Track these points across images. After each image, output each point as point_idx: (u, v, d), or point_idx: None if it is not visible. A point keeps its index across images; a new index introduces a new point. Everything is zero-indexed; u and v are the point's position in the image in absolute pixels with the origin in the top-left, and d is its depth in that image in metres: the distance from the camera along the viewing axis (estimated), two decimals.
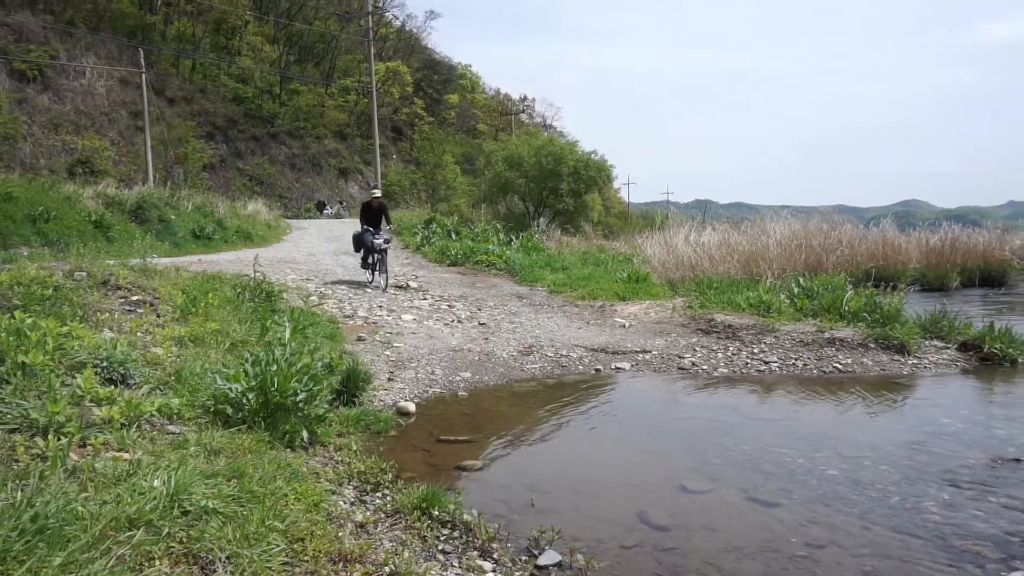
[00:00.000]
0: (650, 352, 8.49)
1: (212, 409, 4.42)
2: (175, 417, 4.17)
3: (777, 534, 3.76)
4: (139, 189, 21.51)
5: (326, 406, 5.01)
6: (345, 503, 3.80)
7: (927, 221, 20.02)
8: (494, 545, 3.54)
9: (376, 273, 13.10)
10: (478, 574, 3.23)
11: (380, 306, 10.84)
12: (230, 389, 4.45)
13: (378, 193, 14.22)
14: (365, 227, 13.22)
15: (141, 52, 31.46)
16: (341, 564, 2.96)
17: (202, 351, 5.71)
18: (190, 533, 2.72)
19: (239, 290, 8.69)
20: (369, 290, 12.54)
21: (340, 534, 3.26)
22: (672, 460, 5.06)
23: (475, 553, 3.44)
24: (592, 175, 26.09)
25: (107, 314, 5.99)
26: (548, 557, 3.44)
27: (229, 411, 4.38)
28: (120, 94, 35.10)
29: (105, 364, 4.48)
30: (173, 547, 2.62)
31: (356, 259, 16.95)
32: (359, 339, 8.52)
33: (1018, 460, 4.79)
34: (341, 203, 39.83)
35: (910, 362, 7.96)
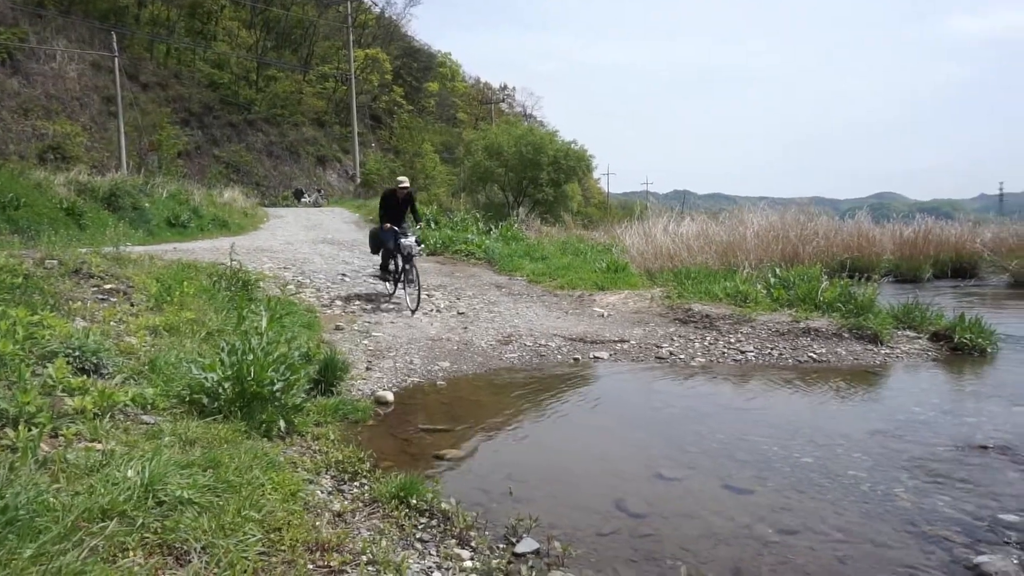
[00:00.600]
0: (628, 342, 8.55)
1: (187, 399, 4.37)
2: (149, 407, 4.12)
3: (751, 520, 3.81)
4: (112, 176, 21.14)
5: (303, 395, 4.98)
6: (323, 492, 3.78)
7: (901, 213, 20.32)
8: (472, 533, 3.56)
9: (401, 285, 10.34)
10: (456, 562, 3.24)
11: (358, 295, 10.78)
12: (206, 379, 4.41)
13: (405, 181, 10.72)
14: (387, 224, 10.31)
15: (114, 36, 30.84)
16: (318, 553, 2.96)
17: (177, 340, 5.65)
18: (165, 524, 2.70)
19: (215, 279, 8.59)
20: (390, 306, 10.09)
21: (317, 523, 3.25)
22: (649, 448, 5.10)
23: (453, 541, 3.45)
24: (572, 165, 26.14)
25: (79, 303, 5.90)
26: (526, 545, 3.46)
27: (205, 401, 4.34)
28: (92, 78, 34.44)
29: (77, 354, 4.41)
30: (147, 538, 2.60)
31: (334, 247, 16.86)
32: (337, 328, 8.48)
33: (985, 447, 4.90)
34: (319, 191, 39.50)
35: (883, 352, 8.09)
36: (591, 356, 7.95)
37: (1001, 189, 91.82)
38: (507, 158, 25.29)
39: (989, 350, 8.09)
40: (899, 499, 4.08)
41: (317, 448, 4.53)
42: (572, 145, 26.95)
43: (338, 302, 10.14)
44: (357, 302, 10.25)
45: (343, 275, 12.52)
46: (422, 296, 10.04)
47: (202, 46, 42.55)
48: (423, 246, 10.75)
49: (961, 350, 8.11)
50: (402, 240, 9.92)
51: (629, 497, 4.11)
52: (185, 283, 7.51)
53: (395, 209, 10.56)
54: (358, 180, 42.08)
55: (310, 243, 17.63)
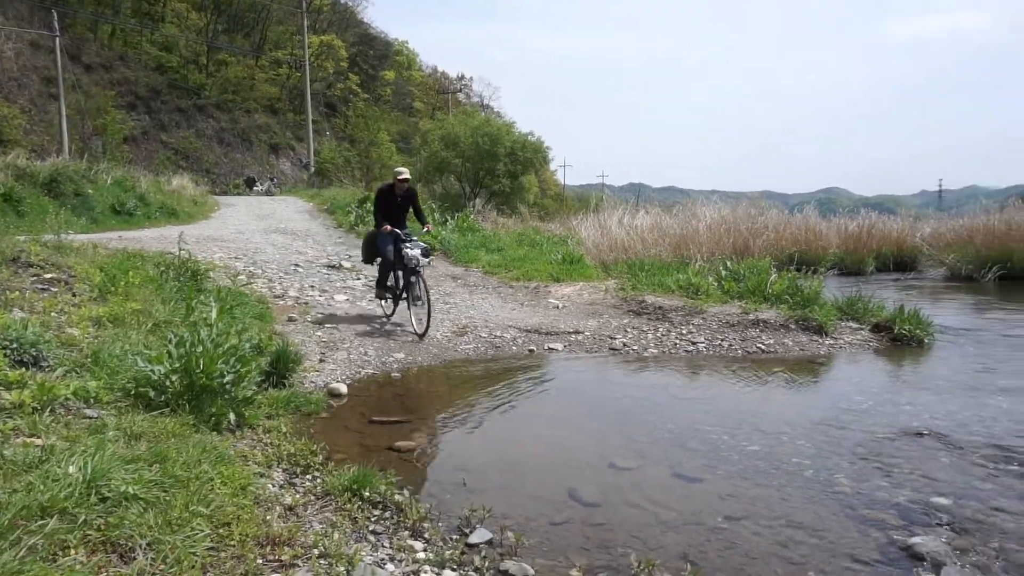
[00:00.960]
0: (583, 333, 8.63)
1: (133, 392, 4.27)
2: (92, 401, 4.01)
3: (700, 508, 3.91)
4: (53, 161, 20.32)
5: (254, 388, 4.91)
6: (274, 486, 3.74)
7: (847, 208, 20.91)
8: (425, 525, 3.57)
9: (405, 303, 8.34)
10: (409, 554, 3.24)
11: (312, 286, 10.64)
12: (152, 371, 4.31)
13: (405, 172, 8.51)
14: (386, 228, 8.25)
15: (55, 14, 29.57)
16: (269, 547, 2.92)
17: (122, 332, 5.49)
18: (108, 520, 2.63)
19: (163, 268, 8.36)
20: (387, 321, 8.62)
21: (268, 517, 3.21)
22: (602, 438, 5.17)
23: (406, 533, 3.45)
24: (529, 156, 26.20)
25: (17, 293, 5.69)
26: (479, 535, 3.48)
27: (151, 394, 4.24)
28: (31, 58, 33.00)
29: (15, 346, 4.27)
30: (90, 535, 2.53)
31: (287, 237, 16.57)
32: (290, 320, 8.35)
33: (921, 434, 5.11)
34: (272, 180, 38.69)
35: (827, 342, 8.35)
36: (546, 347, 8.01)
37: (940, 186, 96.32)
38: (464, 149, 25.20)
39: (927, 341, 8.42)
40: (840, 485, 4.24)
41: (268, 441, 4.47)
42: (529, 137, 27.00)
43: (291, 292, 9.98)
44: (310, 293, 10.11)
45: (296, 265, 12.33)
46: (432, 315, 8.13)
47: (149, 27, 41.13)
48: (431, 258, 8.67)
49: (901, 341, 8.43)
50: (405, 249, 8.03)
51: (582, 486, 4.17)
52: (131, 273, 7.30)
53: (394, 209, 8.54)
54: (312, 169, 41.37)
55: (262, 232, 17.29)
